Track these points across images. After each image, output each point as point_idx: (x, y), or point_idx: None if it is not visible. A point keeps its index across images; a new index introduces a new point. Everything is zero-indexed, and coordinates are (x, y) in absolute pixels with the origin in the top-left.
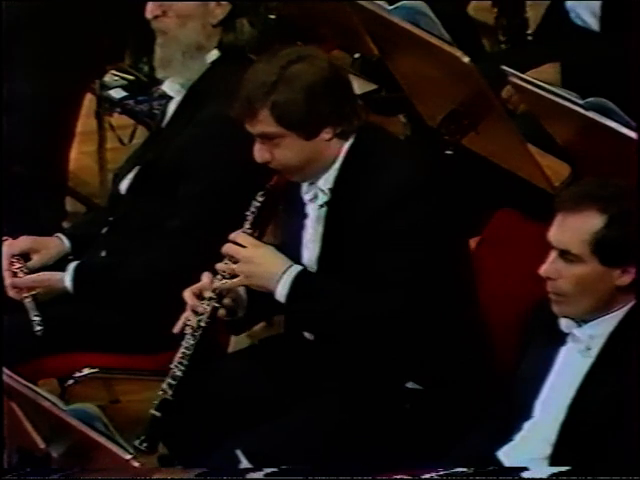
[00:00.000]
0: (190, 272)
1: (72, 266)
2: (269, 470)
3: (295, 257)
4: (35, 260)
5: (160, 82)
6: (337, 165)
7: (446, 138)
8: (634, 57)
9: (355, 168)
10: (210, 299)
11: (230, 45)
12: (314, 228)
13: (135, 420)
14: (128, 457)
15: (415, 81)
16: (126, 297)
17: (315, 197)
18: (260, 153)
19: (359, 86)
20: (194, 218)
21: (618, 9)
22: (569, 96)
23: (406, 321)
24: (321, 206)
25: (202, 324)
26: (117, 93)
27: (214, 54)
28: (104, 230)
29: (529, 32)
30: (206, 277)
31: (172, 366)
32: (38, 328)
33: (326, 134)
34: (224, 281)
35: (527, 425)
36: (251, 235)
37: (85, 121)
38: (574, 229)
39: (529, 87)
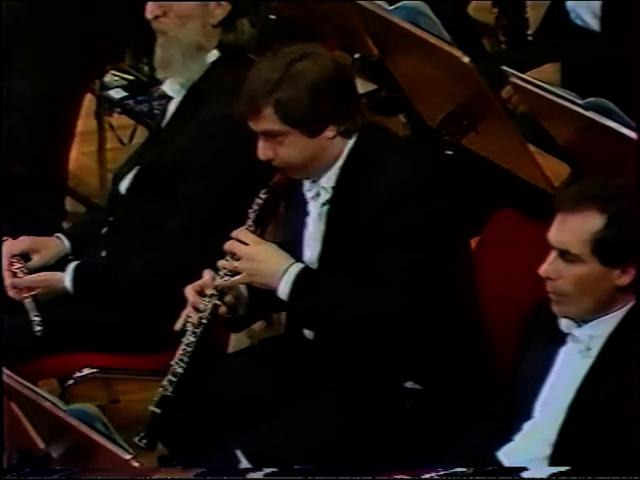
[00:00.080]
0: (190, 272)
1: (72, 266)
2: (269, 470)
3: (296, 255)
4: (35, 260)
5: (160, 82)
6: (340, 163)
7: (446, 138)
8: (634, 57)
9: (357, 166)
10: (211, 296)
11: (230, 45)
12: (316, 226)
13: (135, 420)
14: (128, 457)
15: (415, 81)
16: (126, 297)
17: (317, 195)
18: (263, 151)
19: (359, 86)
20: (194, 218)
21: (618, 9)
22: (569, 96)
23: (407, 320)
24: (323, 204)
25: (203, 321)
26: (117, 93)
27: (214, 54)
28: (104, 230)
29: (529, 32)
30: (207, 274)
31: (173, 363)
32: (38, 328)
33: (330, 132)
34: (226, 278)
35: (527, 425)
36: (253, 233)
37: (85, 121)
38: (574, 229)
39: (529, 87)
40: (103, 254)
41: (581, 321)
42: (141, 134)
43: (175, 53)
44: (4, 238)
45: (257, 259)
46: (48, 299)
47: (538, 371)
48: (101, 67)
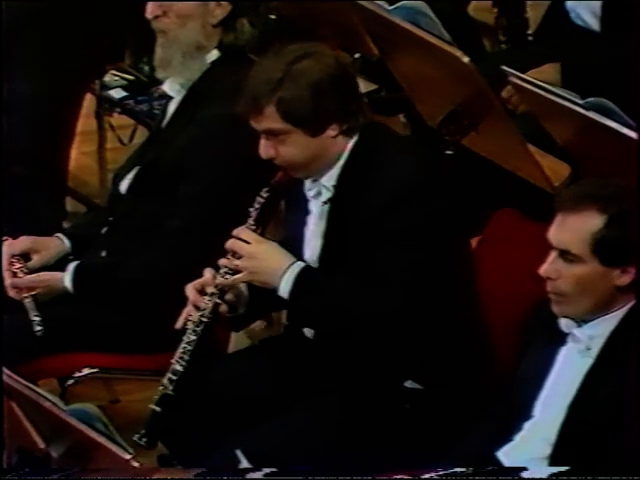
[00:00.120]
0: (190, 272)
1: (72, 266)
2: (269, 470)
3: (297, 254)
4: (35, 260)
5: (160, 82)
6: (341, 162)
7: (446, 138)
8: (634, 57)
9: (359, 165)
10: (212, 295)
11: (230, 45)
12: (316, 225)
13: (135, 420)
14: (128, 457)
15: (415, 81)
16: (126, 297)
17: (318, 194)
18: (265, 149)
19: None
20: (194, 218)
21: (618, 9)
22: (569, 96)
23: (407, 319)
24: (324, 203)
25: (204, 319)
26: (117, 93)
27: (214, 54)
28: (104, 230)
29: (529, 32)
30: (208, 272)
31: (173, 361)
32: (38, 328)
33: (332, 131)
34: (227, 277)
35: (527, 425)
36: (255, 231)
37: (85, 121)
38: (574, 229)
39: (529, 87)
40: (103, 254)
41: (581, 321)
42: (141, 134)
43: (175, 53)
44: (4, 238)
45: (258, 257)
46: (48, 299)
47: (538, 371)
48: (101, 67)
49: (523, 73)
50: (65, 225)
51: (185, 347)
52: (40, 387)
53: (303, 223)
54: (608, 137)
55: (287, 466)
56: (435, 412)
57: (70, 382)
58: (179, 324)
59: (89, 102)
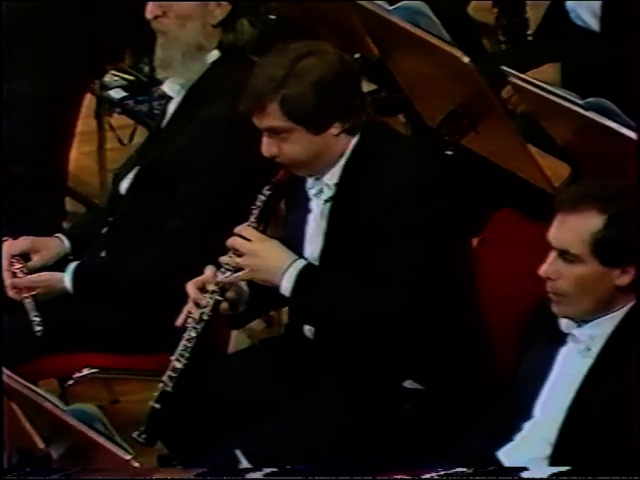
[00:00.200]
0: (190, 272)
1: (72, 266)
2: (269, 470)
3: (297, 252)
4: (35, 260)
5: (160, 82)
6: (343, 160)
7: (446, 138)
8: (634, 57)
9: (361, 164)
10: (213, 292)
11: (230, 45)
12: (317, 223)
13: (135, 420)
14: (128, 457)
15: (415, 81)
16: (126, 297)
17: (320, 192)
18: (268, 147)
19: None
20: (194, 218)
21: (618, 9)
22: (569, 96)
23: (408, 318)
24: (326, 201)
25: (204, 317)
26: (117, 93)
27: (214, 54)
28: (104, 230)
29: (529, 32)
30: (209, 270)
31: (173, 359)
32: (38, 328)
33: (334, 129)
34: (228, 274)
35: (527, 425)
36: (256, 229)
37: (85, 121)
38: (574, 229)
39: (529, 87)
40: (103, 254)
41: (581, 321)
42: (141, 134)
43: (175, 53)
44: (4, 238)
45: (260, 255)
46: (48, 299)
47: (538, 371)
48: (101, 67)
49: (523, 73)
50: (65, 225)
51: (185, 344)
52: (40, 387)
53: (304, 221)
54: (608, 137)
55: (287, 466)
56: (435, 412)
57: (70, 382)
58: (179, 321)
59: (89, 102)
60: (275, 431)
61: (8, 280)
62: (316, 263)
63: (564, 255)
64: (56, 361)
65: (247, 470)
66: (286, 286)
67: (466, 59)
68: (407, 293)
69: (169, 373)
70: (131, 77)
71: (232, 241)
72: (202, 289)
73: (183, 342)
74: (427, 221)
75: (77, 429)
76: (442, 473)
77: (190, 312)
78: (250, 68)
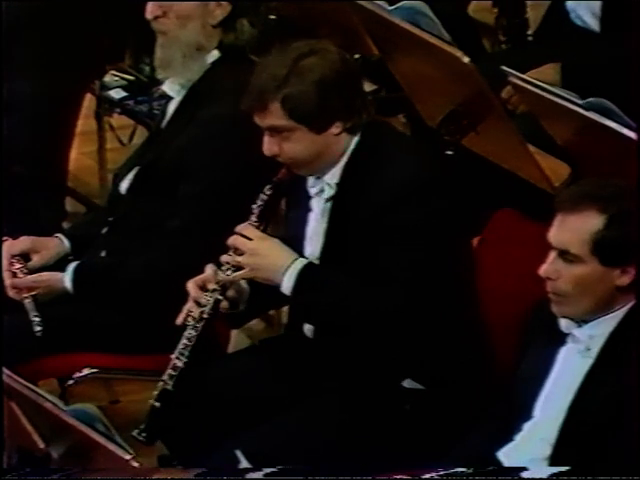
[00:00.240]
0: (190, 272)
1: (72, 266)
2: (269, 470)
3: (298, 251)
4: (35, 260)
5: (160, 82)
6: (344, 160)
7: (446, 138)
8: (634, 57)
9: (362, 163)
10: (213, 291)
11: (230, 45)
12: (318, 222)
13: (135, 420)
14: (128, 457)
15: (415, 81)
16: (126, 297)
17: (321, 191)
18: (269, 146)
19: None
20: (194, 218)
21: (618, 9)
22: (569, 96)
23: (408, 317)
24: (327, 200)
25: (204, 315)
26: (117, 93)
27: (214, 54)
28: (104, 230)
29: (529, 32)
30: (210, 269)
31: (173, 357)
32: (38, 328)
33: (336, 128)
34: (228, 273)
35: (527, 425)
36: (257, 228)
37: (85, 121)
38: (574, 229)
39: (529, 87)
40: (103, 254)
41: (581, 321)
42: (141, 134)
43: (175, 53)
44: (4, 238)
45: (261, 254)
46: (48, 299)
47: (538, 371)
48: (101, 67)
49: (523, 73)
50: (65, 225)
51: (186, 343)
52: (40, 387)
53: (304, 221)
54: (608, 137)
55: (287, 466)
56: (435, 412)
57: (70, 382)
58: (180, 320)
59: (89, 102)
60: (275, 431)
61: (8, 280)
62: (316, 262)
63: (564, 255)
64: (56, 361)
65: (247, 470)
66: (287, 285)
67: (466, 59)
68: (407, 292)
69: (169, 371)
70: (131, 77)
71: (233, 240)
72: (203, 288)
73: (183, 341)
74: (428, 220)
75: (77, 429)
76: (442, 473)
77: (190, 311)
78: (250, 68)
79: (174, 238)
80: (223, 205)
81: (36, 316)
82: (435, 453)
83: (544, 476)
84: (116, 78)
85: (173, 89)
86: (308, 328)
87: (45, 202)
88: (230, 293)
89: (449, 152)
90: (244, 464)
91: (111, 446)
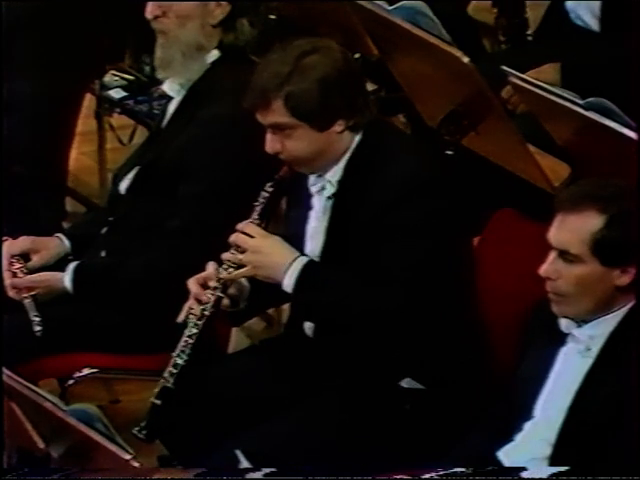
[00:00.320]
0: (190, 272)
1: (72, 266)
2: (269, 470)
3: (298, 249)
4: (35, 260)
5: (160, 82)
6: (346, 158)
7: (446, 138)
8: (634, 57)
9: (364, 161)
10: (215, 288)
11: (230, 45)
12: (319, 220)
13: (135, 420)
14: (128, 457)
15: (415, 81)
16: (126, 297)
17: (322, 189)
18: (271, 144)
19: None
20: (194, 218)
21: (618, 9)
22: (569, 96)
23: (408, 316)
24: (328, 198)
25: (206, 313)
26: (117, 93)
27: (214, 54)
28: (104, 230)
29: (529, 32)
30: (211, 267)
31: (174, 355)
32: (38, 328)
33: (338, 126)
34: (230, 271)
35: (527, 425)
36: (259, 226)
37: (85, 121)
38: (574, 229)
39: (529, 87)
40: (103, 254)
41: (581, 321)
42: (141, 134)
43: (175, 53)
44: (4, 238)
45: (262, 252)
46: (48, 299)
47: (538, 371)
48: (101, 67)
49: (523, 73)
50: (65, 225)
51: (187, 341)
52: (40, 387)
53: (305, 218)
54: (608, 137)
55: (287, 466)
56: (435, 412)
57: (70, 382)
58: (181, 318)
59: (89, 102)
60: (275, 431)
61: (8, 280)
62: (317, 260)
63: (564, 255)
64: (56, 361)
65: (247, 470)
66: (288, 283)
67: (466, 59)
68: (408, 291)
69: (170, 369)
70: (131, 77)
71: (235, 237)
72: (204, 285)
73: (184, 338)
74: (428, 220)
75: (77, 429)
76: (442, 473)
77: (192, 308)
78: (250, 68)
79: (174, 238)
80: (223, 205)
81: (36, 316)
82: (435, 453)
83: (544, 476)
84: (116, 78)
85: (173, 89)
86: (308, 326)
87: (45, 202)
88: (231, 291)
89: (449, 152)
90: (244, 464)
91: (111, 446)
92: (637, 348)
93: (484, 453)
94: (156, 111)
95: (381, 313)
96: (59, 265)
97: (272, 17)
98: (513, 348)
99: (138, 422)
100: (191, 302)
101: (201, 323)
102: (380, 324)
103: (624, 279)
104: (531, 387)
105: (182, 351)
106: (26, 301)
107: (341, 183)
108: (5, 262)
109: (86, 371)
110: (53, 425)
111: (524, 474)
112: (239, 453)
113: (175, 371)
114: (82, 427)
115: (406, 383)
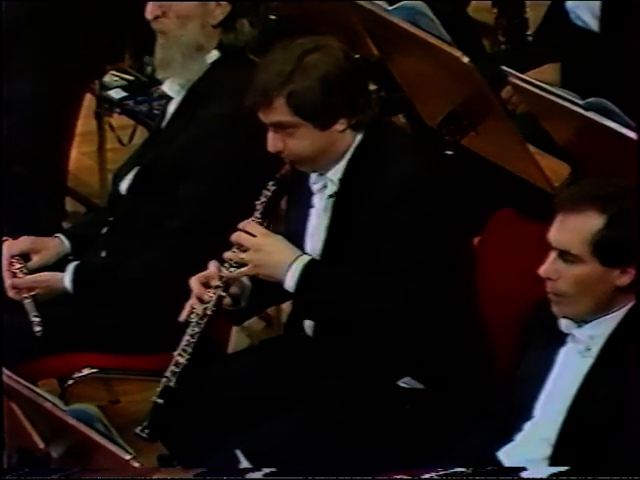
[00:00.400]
0: (190, 272)
1: (72, 266)
2: (269, 470)
3: (298, 247)
4: (35, 260)
5: (160, 82)
6: (348, 157)
7: (446, 138)
8: (634, 57)
9: (365, 160)
10: (217, 287)
11: (230, 45)
12: (320, 218)
13: (135, 420)
14: (128, 457)
15: (415, 81)
16: (126, 297)
17: (324, 187)
18: (273, 142)
19: None
20: (194, 218)
21: (618, 9)
22: (569, 96)
23: (408, 316)
24: (330, 196)
25: (208, 312)
26: (117, 93)
27: (214, 54)
28: (104, 230)
29: (529, 32)
30: (213, 265)
31: (176, 354)
32: (38, 328)
33: (340, 125)
34: (232, 270)
35: (527, 425)
36: (260, 224)
37: (85, 121)
38: (574, 229)
39: (529, 87)
40: (103, 254)
41: (581, 321)
42: (141, 134)
43: (175, 53)
44: (4, 238)
45: (264, 250)
46: (48, 299)
47: (538, 371)
48: (101, 67)
49: (523, 73)
50: (65, 225)
51: (189, 340)
52: (40, 387)
53: (306, 217)
54: (608, 137)
55: (287, 466)
56: (435, 412)
57: (70, 382)
58: (182, 317)
59: (89, 102)
60: (275, 431)
61: (8, 280)
62: (317, 258)
63: (564, 255)
64: (56, 361)
65: (247, 470)
66: (290, 282)
67: (466, 59)
68: (408, 291)
69: (172, 368)
70: (131, 77)
71: (236, 236)
72: (206, 284)
73: (186, 337)
74: (429, 219)
75: (77, 429)
76: (442, 473)
77: (193, 307)
78: (250, 68)
79: (174, 238)
80: (223, 205)
81: (36, 316)
82: (435, 453)
83: (544, 476)
84: (116, 78)
85: (173, 89)
86: (308, 325)
87: (45, 202)
88: (232, 289)
89: (449, 152)
90: (244, 464)
91: (111, 446)
92: (637, 348)
93: (484, 453)
94: (156, 111)
95: (381, 312)
96: (59, 265)
97: (272, 17)
98: (513, 348)
99: (138, 422)
100: (193, 301)
101: (203, 322)
102: (380, 323)
103: (624, 279)
104: (531, 387)
105: (184, 350)
106: (26, 301)
107: (342, 182)
108: (5, 262)
109: (86, 371)
110: (53, 425)
111: (524, 474)
112: (239, 453)
113: (177, 370)
114: (82, 427)
115: (406, 383)
